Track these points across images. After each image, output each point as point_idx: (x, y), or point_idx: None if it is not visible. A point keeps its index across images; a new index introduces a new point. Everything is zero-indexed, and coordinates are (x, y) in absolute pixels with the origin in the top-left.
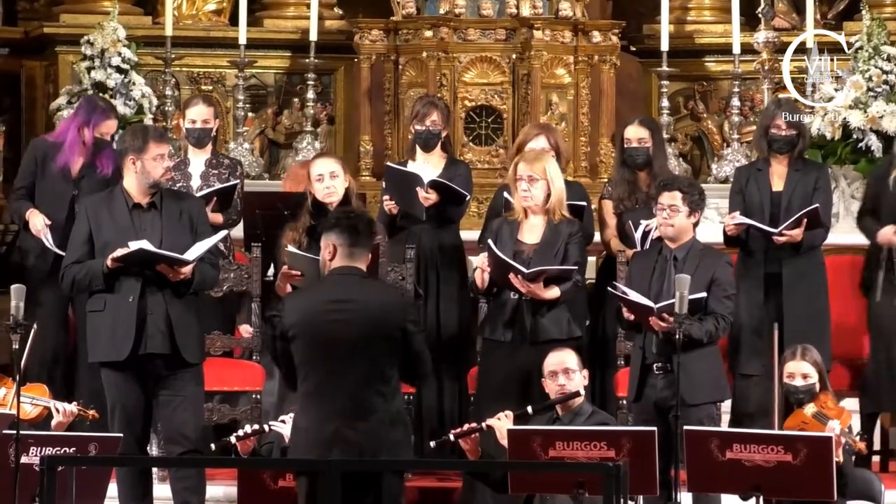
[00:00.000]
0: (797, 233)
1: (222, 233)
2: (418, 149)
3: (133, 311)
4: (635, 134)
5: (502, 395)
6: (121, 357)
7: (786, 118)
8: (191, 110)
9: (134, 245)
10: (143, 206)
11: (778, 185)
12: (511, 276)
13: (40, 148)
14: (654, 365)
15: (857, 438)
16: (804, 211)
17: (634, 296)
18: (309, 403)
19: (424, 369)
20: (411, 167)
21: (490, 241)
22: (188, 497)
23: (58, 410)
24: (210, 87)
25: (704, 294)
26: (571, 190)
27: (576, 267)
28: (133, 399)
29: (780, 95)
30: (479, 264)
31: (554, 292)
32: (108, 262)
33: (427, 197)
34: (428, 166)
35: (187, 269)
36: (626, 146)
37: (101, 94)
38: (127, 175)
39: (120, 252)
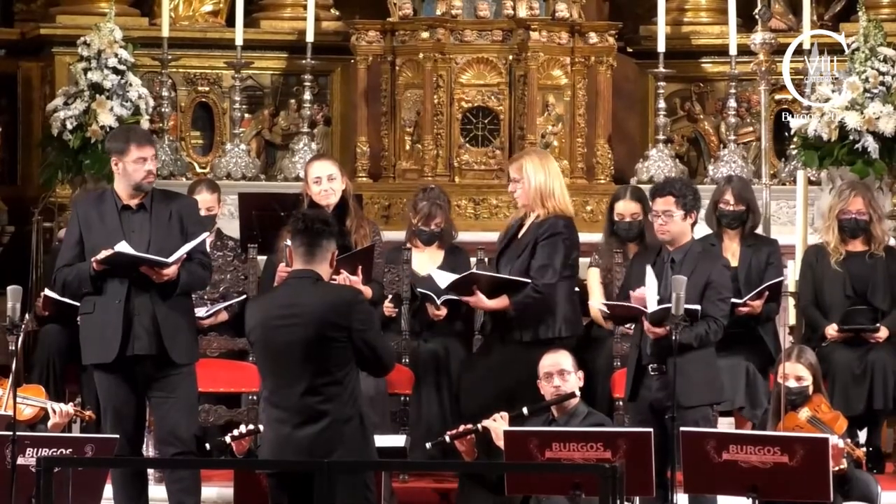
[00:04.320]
0: (758, 304)
1: (203, 234)
2: (419, 241)
3: (120, 313)
4: (627, 209)
5: (475, 394)
6: (108, 359)
7: (734, 192)
8: (195, 197)
9: (113, 248)
10: (132, 207)
11: (732, 261)
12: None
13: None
14: (650, 366)
15: (856, 446)
16: (769, 283)
17: (632, 298)
18: (267, 406)
19: (383, 363)
20: (415, 258)
21: (432, 272)
22: (183, 498)
23: (54, 411)
24: (206, 89)
25: (698, 307)
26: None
27: (472, 271)
28: (122, 400)
29: (733, 174)
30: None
31: (502, 301)
32: (94, 265)
33: (437, 314)
34: (426, 256)
35: (170, 271)
36: (616, 220)
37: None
38: (115, 177)
39: (101, 255)
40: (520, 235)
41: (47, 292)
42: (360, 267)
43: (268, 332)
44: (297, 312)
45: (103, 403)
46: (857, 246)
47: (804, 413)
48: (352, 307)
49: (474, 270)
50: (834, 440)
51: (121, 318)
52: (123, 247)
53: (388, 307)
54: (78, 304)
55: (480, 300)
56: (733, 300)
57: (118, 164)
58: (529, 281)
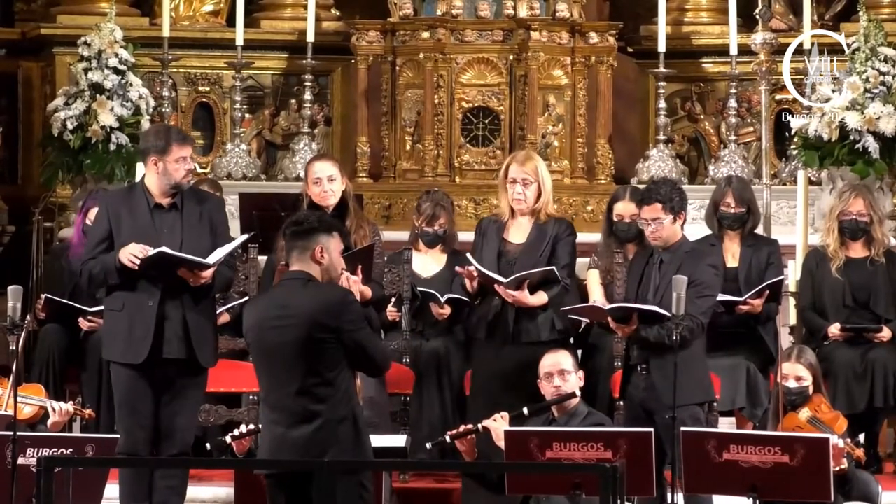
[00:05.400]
0: (759, 303)
1: (243, 237)
2: (421, 243)
3: (152, 315)
4: (626, 210)
5: (487, 395)
6: (137, 360)
7: (735, 194)
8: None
9: (154, 250)
10: (164, 206)
11: (732, 261)
12: (495, 286)
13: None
14: (638, 366)
15: (856, 446)
16: (769, 282)
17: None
18: (263, 406)
19: (375, 363)
20: (417, 260)
21: (469, 256)
22: (169, 497)
23: (54, 410)
24: (207, 89)
25: (657, 308)
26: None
27: (552, 267)
28: (142, 400)
29: (732, 175)
30: (463, 274)
31: (541, 298)
32: (125, 262)
33: (441, 313)
34: (428, 258)
35: (208, 274)
36: (615, 220)
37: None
38: (148, 175)
39: (135, 249)
40: (513, 238)
41: (47, 295)
42: (359, 267)
43: (262, 333)
44: (289, 314)
45: (118, 400)
46: (857, 250)
47: (804, 413)
48: (340, 307)
49: (552, 267)
50: (834, 440)
51: (153, 321)
52: (165, 249)
53: (391, 311)
54: (81, 306)
55: (525, 296)
56: (734, 299)
57: (158, 164)
58: (552, 269)
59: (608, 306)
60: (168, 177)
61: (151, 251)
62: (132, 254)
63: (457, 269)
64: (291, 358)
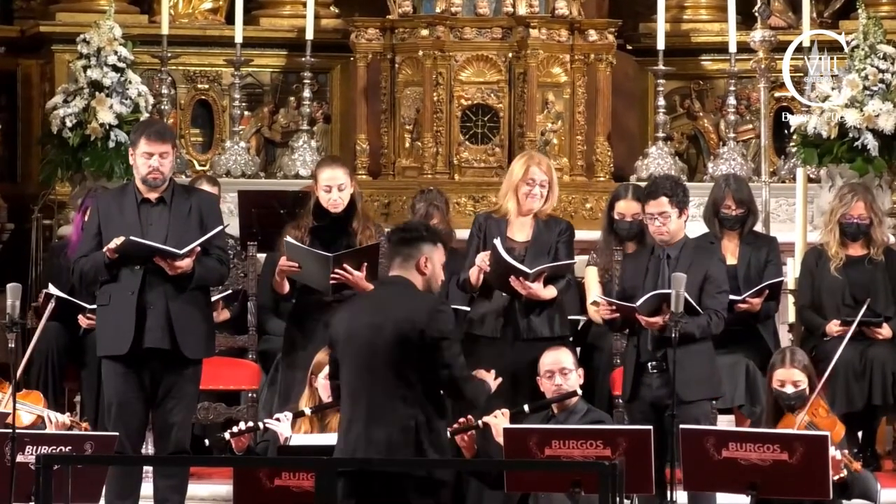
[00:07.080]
0: (758, 302)
1: (217, 228)
2: None
3: (133, 305)
4: (628, 209)
5: (500, 392)
6: (122, 351)
7: (735, 197)
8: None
9: (121, 239)
10: (151, 200)
11: (731, 259)
12: (512, 278)
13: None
14: (649, 363)
15: (853, 458)
16: (769, 282)
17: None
18: (345, 405)
19: (455, 385)
20: None
21: (497, 242)
22: (169, 495)
23: (50, 421)
24: (206, 86)
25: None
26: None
27: (574, 261)
28: (129, 397)
29: (730, 175)
30: (479, 263)
31: (551, 291)
32: (107, 252)
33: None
34: None
35: (183, 263)
36: (616, 219)
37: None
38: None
39: (114, 242)
40: (516, 236)
41: (50, 290)
42: (365, 265)
43: (355, 333)
44: (383, 316)
45: (108, 398)
46: (857, 249)
47: (802, 418)
48: (430, 314)
49: (574, 260)
50: (832, 452)
51: (134, 311)
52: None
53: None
54: (81, 302)
55: (541, 289)
56: (732, 297)
57: (132, 157)
58: (574, 262)
59: (641, 299)
60: (137, 171)
61: (121, 239)
62: (108, 247)
63: (479, 256)
64: (381, 359)
